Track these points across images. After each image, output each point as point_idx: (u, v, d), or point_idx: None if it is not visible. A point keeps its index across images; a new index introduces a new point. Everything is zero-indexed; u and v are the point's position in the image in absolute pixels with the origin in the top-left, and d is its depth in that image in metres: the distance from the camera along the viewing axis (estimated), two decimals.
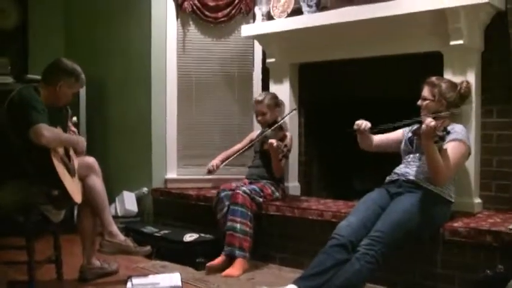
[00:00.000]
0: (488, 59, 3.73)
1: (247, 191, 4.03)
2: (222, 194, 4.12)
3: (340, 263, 3.04)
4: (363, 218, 3.22)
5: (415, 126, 3.45)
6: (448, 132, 3.23)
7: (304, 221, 3.94)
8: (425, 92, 3.48)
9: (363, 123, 3.58)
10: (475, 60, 3.68)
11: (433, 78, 3.49)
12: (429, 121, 3.04)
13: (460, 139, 3.32)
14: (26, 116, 3.17)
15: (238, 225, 3.92)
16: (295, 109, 4.35)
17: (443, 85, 3.44)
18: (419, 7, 3.69)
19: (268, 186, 4.28)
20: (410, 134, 3.56)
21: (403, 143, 3.63)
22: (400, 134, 3.71)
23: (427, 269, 3.31)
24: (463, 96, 3.49)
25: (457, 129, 3.38)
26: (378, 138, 3.74)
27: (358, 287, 3.01)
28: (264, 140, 4.26)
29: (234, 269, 3.81)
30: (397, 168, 3.54)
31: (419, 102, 3.50)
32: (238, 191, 4.02)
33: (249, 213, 3.98)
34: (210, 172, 4.39)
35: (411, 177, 3.38)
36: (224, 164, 4.39)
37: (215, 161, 4.43)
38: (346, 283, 2.96)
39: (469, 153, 3.46)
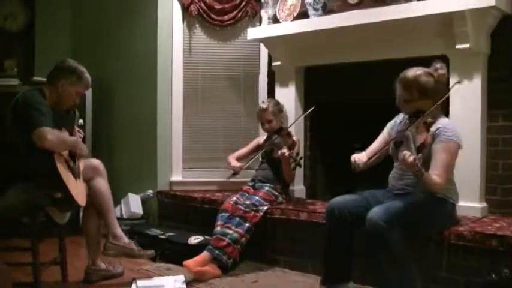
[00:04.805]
0: (494, 62, 3.72)
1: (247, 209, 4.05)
2: (219, 215, 4.11)
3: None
4: (356, 197, 3.33)
5: (402, 124, 3.39)
6: (432, 130, 3.14)
7: (309, 224, 3.93)
8: (403, 92, 3.25)
9: (359, 164, 3.34)
10: (481, 64, 3.68)
11: (408, 76, 3.23)
12: (406, 158, 2.88)
13: (449, 139, 3.12)
14: (29, 118, 3.18)
15: (230, 232, 3.94)
16: (313, 108, 4.25)
17: (421, 80, 3.19)
18: (426, 11, 3.69)
19: (270, 192, 4.28)
20: (395, 135, 3.41)
21: (390, 146, 3.43)
22: (386, 137, 3.52)
23: (432, 273, 3.29)
24: (441, 83, 3.25)
25: (445, 126, 3.16)
26: (369, 155, 3.50)
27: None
28: (273, 148, 4.25)
29: (206, 268, 3.80)
30: (390, 175, 3.46)
31: (397, 103, 3.32)
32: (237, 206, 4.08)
33: (246, 223, 4.00)
34: (235, 174, 4.38)
35: (400, 192, 3.30)
36: (246, 166, 4.38)
37: (236, 163, 4.47)
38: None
39: (460, 147, 3.21)
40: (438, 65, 3.25)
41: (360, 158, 3.35)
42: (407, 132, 3.12)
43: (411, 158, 2.86)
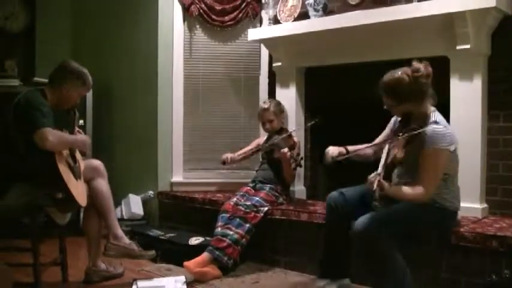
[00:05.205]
0: (495, 63, 3.72)
1: (248, 210, 4.05)
2: (220, 216, 4.10)
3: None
4: (353, 191, 3.40)
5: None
6: (420, 136, 3.07)
7: (310, 224, 3.93)
8: (384, 98, 3.23)
9: (328, 158, 3.43)
10: (482, 65, 3.68)
11: (385, 82, 3.19)
12: (371, 184, 2.90)
13: (434, 147, 3.00)
14: (31, 119, 3.18)
15: (231, 233, 3.94)
16: (316, 120, 4.25)
17: (396, 86, 3.13)
18: (426, 11, 3.69)
19: (271, 193, 4.27)
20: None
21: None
22: (389, 134, 3.52)
23: (432, 274, 3.29)
24: (420, 83, 3.07)
25: (431, 133, 3.01)
26: (373, 146, 3.52)
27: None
28: (274, 148, 4.25)
29: (206, 268, 3.80)
30: None
31: (385, 107, 3.29)
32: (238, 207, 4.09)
33: (247, 224, 4.00)
34: (224, 163, 4.43)
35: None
36: (238, 160, 4.48)
37: (230, 154, 4.48)
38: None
39: (452, 152, 3.08)
40: (416, 66, 3.09)
41: (332, 151, 3.46)
42: (386, 145, 3.11)
43: (374, 186, 2.87)
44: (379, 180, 2.90)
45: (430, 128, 3.04)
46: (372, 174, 2.93)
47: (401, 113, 3.22)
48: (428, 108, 3.17)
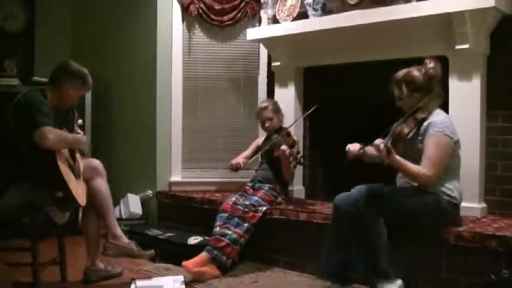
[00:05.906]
0: (494, 63, 3.72)
1: (246, 209, 4.05)
2: (218, 216, 4.10)
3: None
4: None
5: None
6: (424, 125, 3.23)
7: (309, 224, 3.93)
8: (394, 90, 3.37)
9: (350, 152, 3.43)
10: (481, 65, 3.68)
11: (398, 74, 3.36)
12: (378, 146, 3.12)
13: (438, 132, 3.17)
14: (31, 118, 3.18)
15: (229, 232, 3.93)
16: (316, 106, 4.23)
17: (409, 76, 3.31)
18: (425, 11, 3.69)
19: (270, 193, 4.27)
20: None
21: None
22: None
23: (431, 273, 3.29)
24: (431, 77, 3.29)
25: (435, 121, 3.22)
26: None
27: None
28: (273, 147, 4.25)
29: (205, 268, 3.79)
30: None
31: (397, 103, 3.41)
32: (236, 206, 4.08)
33: (245, 224, 3.99)
34: (237, 169, 4.34)
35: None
36: (248, 162, 4.40)
37: (240, 159, 4.43)
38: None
39: (455, 143, 3.26)
40: (427, 61, 3.32)
41: (353, 146, 3.46)
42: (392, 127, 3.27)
43: (381, 146, 3.08)
44: (385, 145, 3.08)
45: (436, 118, 3.23)
46: (378, 140, 3.15)
47: (408, 107, 3.30)
48: (435, 105, 3.33)
